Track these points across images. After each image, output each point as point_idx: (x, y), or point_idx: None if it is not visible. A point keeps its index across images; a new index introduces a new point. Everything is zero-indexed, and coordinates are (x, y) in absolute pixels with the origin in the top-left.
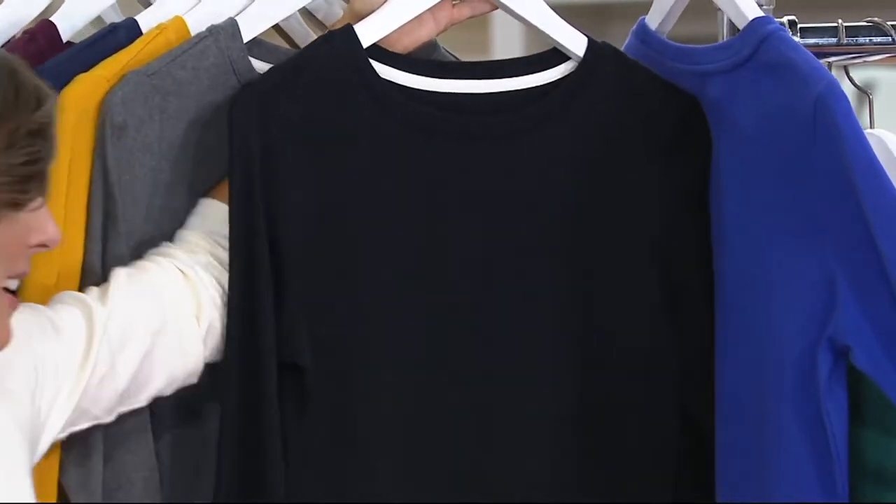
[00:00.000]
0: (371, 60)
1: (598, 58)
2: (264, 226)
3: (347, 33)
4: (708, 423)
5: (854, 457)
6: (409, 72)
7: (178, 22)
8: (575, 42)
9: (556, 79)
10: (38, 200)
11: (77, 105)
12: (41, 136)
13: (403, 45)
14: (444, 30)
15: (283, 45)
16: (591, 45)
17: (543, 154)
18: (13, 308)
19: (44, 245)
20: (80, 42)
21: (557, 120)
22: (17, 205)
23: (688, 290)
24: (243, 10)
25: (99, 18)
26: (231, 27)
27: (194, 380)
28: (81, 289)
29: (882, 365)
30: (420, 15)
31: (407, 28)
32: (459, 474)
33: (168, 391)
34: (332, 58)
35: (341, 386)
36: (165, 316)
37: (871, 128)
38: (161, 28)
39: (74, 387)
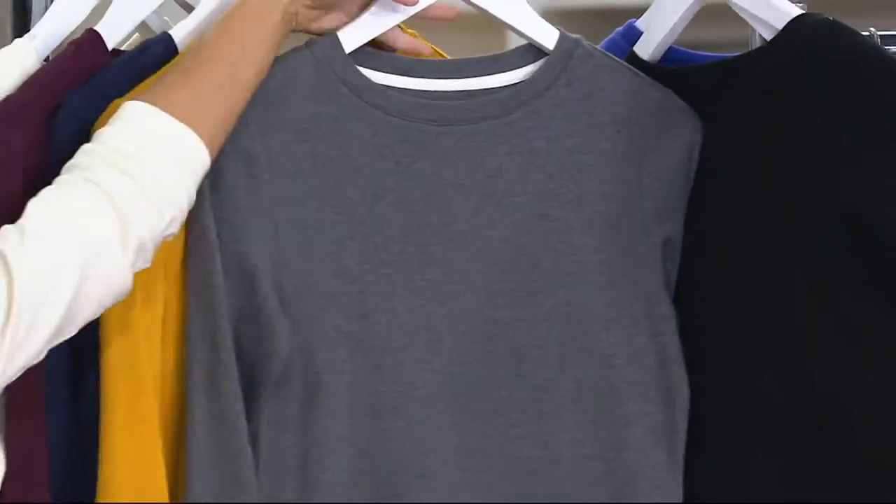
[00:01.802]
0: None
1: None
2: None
3: (332, 39)
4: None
5: None
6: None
7: None
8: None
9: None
10: None
11: None
12: None
13: None
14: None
15: None
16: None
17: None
18: None
19: None
20: (114, 62)
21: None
22: None
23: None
24: None
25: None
26: (329, 37)
27: (123, 298)
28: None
29: None
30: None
31: None
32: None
33: (98, 314)
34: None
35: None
36: (90, 251)
37: None
38: None
39: None
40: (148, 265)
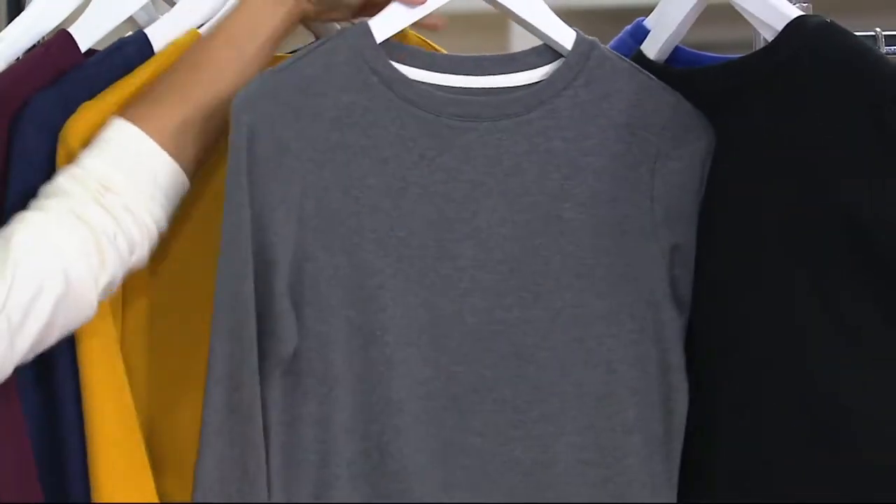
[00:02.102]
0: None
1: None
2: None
3: (364, 28)
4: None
5: None
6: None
7: (194, 37)
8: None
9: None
10: None
11: (81, 136)
12: None
13: None
14: None
15: None
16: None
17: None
18: None
19: None
20: (85, 62)
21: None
22: None
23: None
24: None
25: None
26: (361, 26)
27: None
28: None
29: None
30: None
31: None
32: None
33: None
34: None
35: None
36: (67, 283)
37: None
38: (176, 45)
39: None
40: (112, 294)
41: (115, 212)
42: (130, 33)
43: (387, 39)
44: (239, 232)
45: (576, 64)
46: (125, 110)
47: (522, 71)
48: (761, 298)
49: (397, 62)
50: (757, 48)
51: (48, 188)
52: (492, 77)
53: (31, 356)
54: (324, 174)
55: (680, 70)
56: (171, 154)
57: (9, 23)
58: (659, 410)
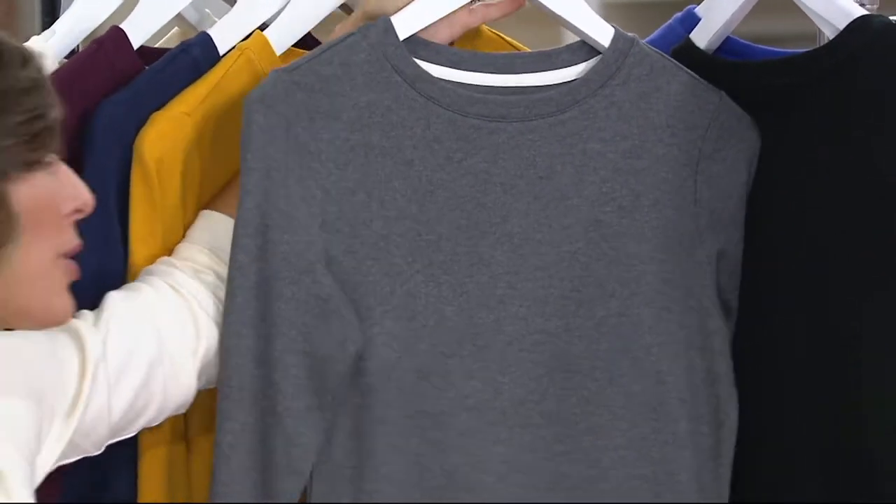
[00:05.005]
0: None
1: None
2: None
3: (385, 24)
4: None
5: None
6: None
7: (260, 40)
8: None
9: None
10: (51, 156)
11: (156, 150)
12: (36, 93)
13: None
14: (460, 35)
15: None
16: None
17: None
18: (71, 277)
19: (79, 210)
20: (150, 68)
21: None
22: (31, 164)
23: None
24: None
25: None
26: (383, 23)
27: (183, 410)
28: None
29: None
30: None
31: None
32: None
33: (157, 422)
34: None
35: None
36: (162, 346)
37: None
38: (241, 49)
39: (64, 428)
40: (211, 385)
41: (210, 284)
42: (192, 36)
43: (412, 36)
44: (258, 235)
45: (613, 62)
46: (213, 202)
47: (556, 69)
48: (817, 301)
49: (421, 60)
50: (821, 44)
51: (143, 273)
52: (523, 76)
53: (128, 428)
54: (346, 176)
55: (732, 62)
56: None
57: (42, 20)
58: (708, 423)
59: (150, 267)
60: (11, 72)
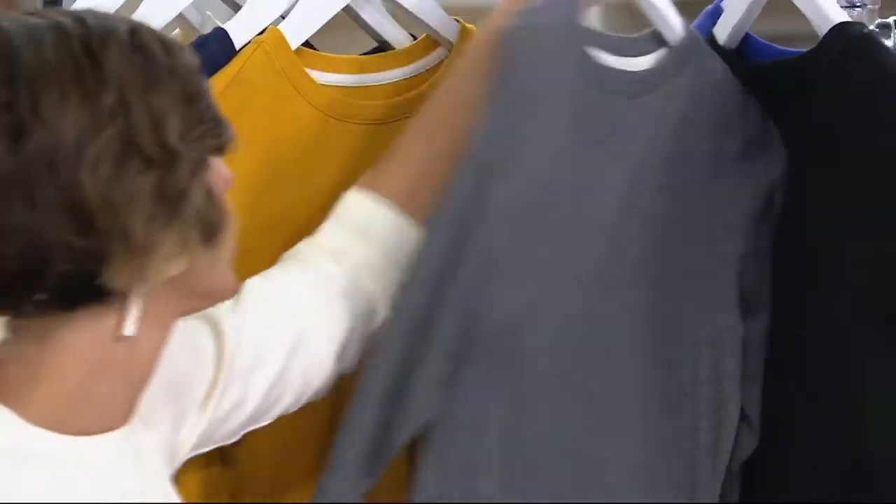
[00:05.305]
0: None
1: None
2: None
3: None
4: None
5: None
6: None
7: (276, 35)
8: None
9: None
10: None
11: None
12: (203, 76)
13: None
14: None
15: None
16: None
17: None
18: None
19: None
20: None
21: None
22: (217, 149)
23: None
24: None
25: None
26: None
27: (322, 396)
28: None
29: None
30: None
31: None
32: None
33: (295, 408)
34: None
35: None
36: (300, 332)
37: None
38: (258, 43)
39: (199, 418)
40: (352, 369)
41: (349, 267)
42: (209, 31)
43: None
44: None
45: (680, 54)
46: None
47: (638, 56)
48: (833, 307)
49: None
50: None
51: (283, 256)
52: (621, 58)
53: (264, 416)
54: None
55: (752, 66)
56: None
57: None
58: (709, 420)
59: (289, 251)
60: (182, 59)
